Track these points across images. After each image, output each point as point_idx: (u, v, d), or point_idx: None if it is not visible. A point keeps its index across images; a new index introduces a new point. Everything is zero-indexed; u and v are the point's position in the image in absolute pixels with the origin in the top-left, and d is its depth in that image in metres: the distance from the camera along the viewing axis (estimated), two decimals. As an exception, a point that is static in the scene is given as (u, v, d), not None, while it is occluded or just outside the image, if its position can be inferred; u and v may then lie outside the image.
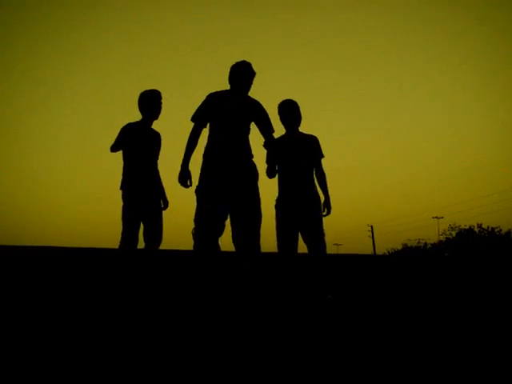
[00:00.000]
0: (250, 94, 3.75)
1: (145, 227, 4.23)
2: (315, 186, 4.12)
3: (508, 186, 73.68)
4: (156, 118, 4.32)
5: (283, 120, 4.12)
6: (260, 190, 3.64)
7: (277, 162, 4.11)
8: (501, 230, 40.76)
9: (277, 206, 4.09)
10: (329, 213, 4.09)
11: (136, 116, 4.31)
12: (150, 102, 4.24)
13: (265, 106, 3.76)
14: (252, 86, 3.73)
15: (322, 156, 4.16)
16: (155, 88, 4.28)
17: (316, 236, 3.99)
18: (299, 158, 4.04)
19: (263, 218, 3.62)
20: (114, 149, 4.24)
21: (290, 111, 4.10)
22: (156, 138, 4.35)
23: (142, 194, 4.18)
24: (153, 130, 4.35)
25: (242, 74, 3.65)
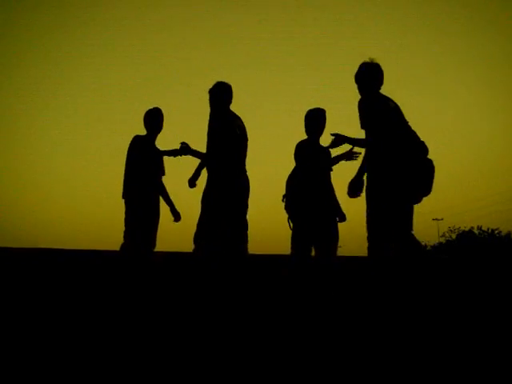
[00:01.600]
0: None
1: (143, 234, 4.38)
2: (331, 196, 4.18)
3: (508, 188, 73.63)
4: (159, 132, 4.51)
5: (308, 127, 4.20)
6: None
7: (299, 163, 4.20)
8: (501, 231, 40.81)
9: (291, 210, 4.15)
10: (344, 219, 4.18)
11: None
12: (157, 119, 4.44)
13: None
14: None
15: (331, 169, 4.27)
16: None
17: (330, 247, 4.08)
18: (317, 165, 4.12)
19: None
20: (138, 160, 4.37)
21: (317, 120, 4.18)
22: (159, 154, 4.51)
23: (146, 204, 4.36)
24: (155, 145, 4.51)
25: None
